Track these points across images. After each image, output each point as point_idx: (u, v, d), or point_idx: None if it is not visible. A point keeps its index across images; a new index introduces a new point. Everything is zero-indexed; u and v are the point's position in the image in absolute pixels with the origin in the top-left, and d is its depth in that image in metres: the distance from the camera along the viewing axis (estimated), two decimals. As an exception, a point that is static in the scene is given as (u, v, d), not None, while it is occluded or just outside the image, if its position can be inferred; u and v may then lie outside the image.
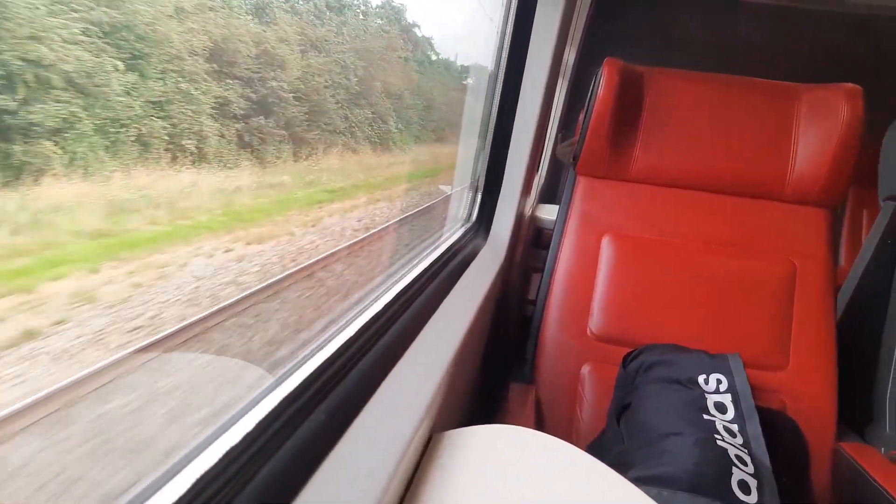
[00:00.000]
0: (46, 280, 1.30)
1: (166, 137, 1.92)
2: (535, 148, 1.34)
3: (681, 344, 1.09)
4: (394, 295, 0.82)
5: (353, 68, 3.66)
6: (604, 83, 1.20)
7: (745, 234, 1.21)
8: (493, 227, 1.38)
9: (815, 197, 1.20)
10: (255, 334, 1.75)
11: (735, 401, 0.93)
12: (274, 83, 2.59)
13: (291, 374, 0.54)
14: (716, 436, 0.84)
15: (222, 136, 2.21)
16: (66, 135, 1.45)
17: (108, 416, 1.08)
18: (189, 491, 0.37)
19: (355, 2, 4.05)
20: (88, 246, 1.52)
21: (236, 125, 2.31)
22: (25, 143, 1.29)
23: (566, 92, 2.66)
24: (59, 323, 1.29)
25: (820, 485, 1.06)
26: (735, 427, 0.89)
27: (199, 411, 1.09)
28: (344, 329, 0.67)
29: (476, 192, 1.42)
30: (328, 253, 2.52)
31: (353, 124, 3.72)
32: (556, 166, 2.86)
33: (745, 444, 0.85)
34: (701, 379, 0.98)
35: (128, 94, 1.72)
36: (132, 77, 1.75)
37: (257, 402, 0.48)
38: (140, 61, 1.78)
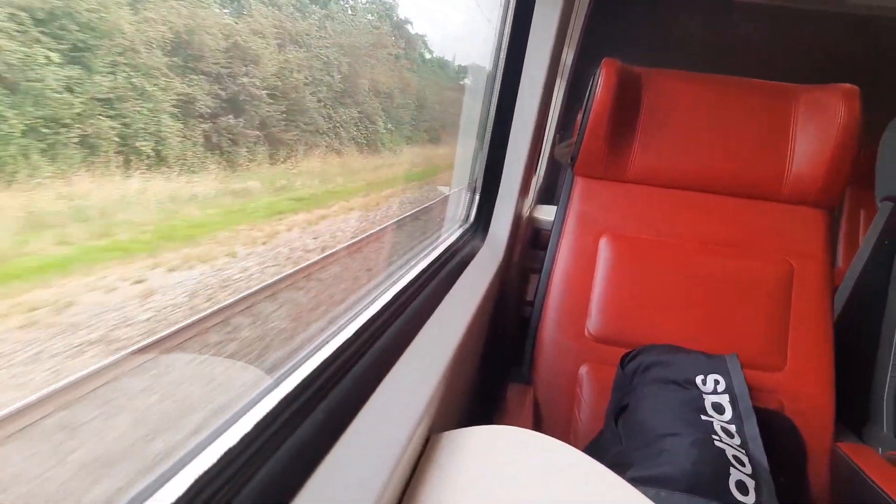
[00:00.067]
0: None
1: (117, 139, 1.70)
2: (533, 148, 1.34)
3: (678, 344, 1.10)
4: (392, 296, 0.82)
5: (336, 65, 3.43)
6: (602, 83, 1.20)
7: (743, 234, 1.21)
8: (491, 227, 1.38)
9: (812, 197, 1.20)
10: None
11: (733, 401, 0.94)
12: (245, 79, 2.38)
13: (290, 374, 0.54)
14: (713, 436, 0.84)
15: (186, 136, 2.02)
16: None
17: None
18: (187, 492, 0.37)
19: (342, -4, 3.80)
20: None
21: (203, 125, 2.11)
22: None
23: (564, 92, 2.66)
24: None
25: (818, 485, 1.07)
26: (733, 427, 0.89)
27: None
28: (342, 330, 0.67)
29: (474, 192, 1.42)
30: (256, 288, 2.02)
31: (338, 124, 3.49)
32: (554, 167, 2.86)
33: (743, 445, 0.86)
34: (698, 379, 0.98)
35: (69, 90, 1.52)
36: (74, 71, 1.53)
37: (255, 404, 0.48)
38: (85, 53, 1.57)
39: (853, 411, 1.19)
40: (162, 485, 0.37)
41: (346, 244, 2.81)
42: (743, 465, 0.80)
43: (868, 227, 1.36)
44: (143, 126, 1.80)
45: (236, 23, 2.44)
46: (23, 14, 1.33)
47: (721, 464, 0.79)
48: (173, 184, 1.97)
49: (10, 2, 1.32)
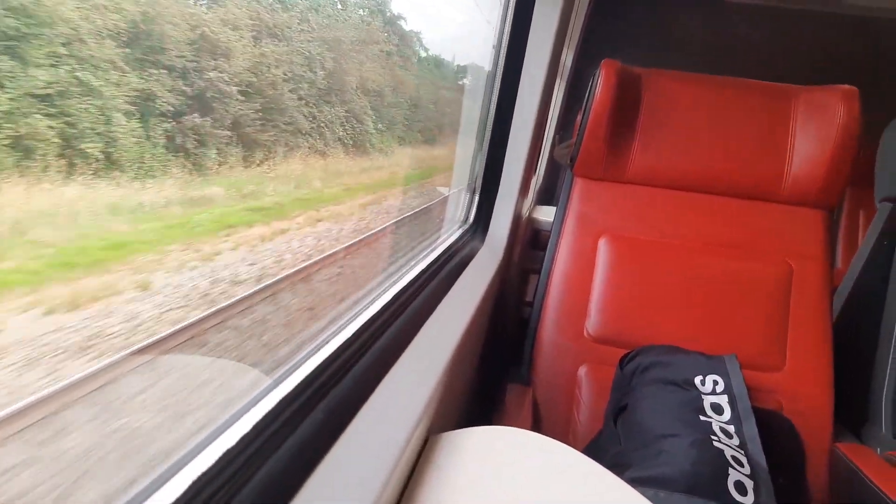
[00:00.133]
0: None
1: (58, 140, 1.48)
2: (533, 149, 1.34)
3: (677, 345, 1.10)
4: (391, 296, 0.82)
5: (320, 60, 3.17)
6: (601, 84, 1.20)
7: (742, 235, 1.21)
8: (490, 228, 1.38)
9: (811, 198, 1.20)
10: None
11: (731, 402, 0.94)
12: (213, 74, 2.13)
13: (289, 375, 0.54)
14: (712, 437, 0.84)
15: (144, 137, 1.80)
16: None
17: None
18: (186, 492, 0.37)
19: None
20: None
21: (164, 124, 1.89)
22: None
23: (564, 93, 2.66)
24: None
25: (816, 485, 1.07)
26: (731, 428, 0.89)
27: None
28: (341, 331, 0.67)
29: (473, 193, 1.42)
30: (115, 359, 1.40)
31: (322, 124, 3.23)
32: (553, 168, 2.86)
33: (742, 445, 0.86)
34: (697, 380, 0.98)
35: (-3, 84, 1.35)
36: (3, 63, 1.35)
37: (255, 404, 0.48)
38: (17, 43, 1.37)
39: (852, 412, 1.19)
40: (161, 485, 0.37)
41: (291, 271, 2.27)
42: (742, 465, 0.80)
43: (867, 227, 1.36)
44: (90, 126, 1.59)
45: (205, 13, 2.21)
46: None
47: (720, 464, 0.79)
48: (122, 190, 1.73)
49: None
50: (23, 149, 1.41)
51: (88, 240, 1.63)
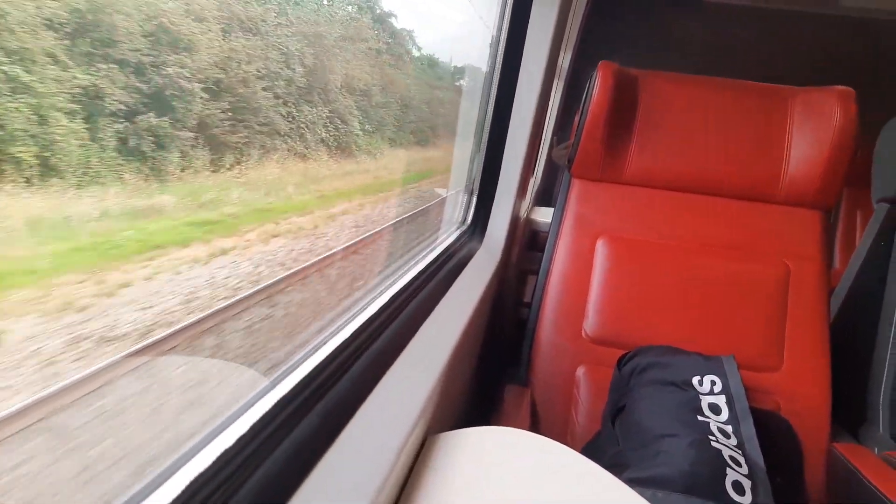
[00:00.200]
0: None
1: None
2: (531, 150, 1.34)
3: (675, 346, 1.10)
4: (389, 297, 0.82)
5: (299, 56, 2.96)
6: (598, 86, 1.21)
7: (739, 236, 1.22)
8: (488, 229, 1.38)
9: (808, 199, 1.20)
10: None
11: (729, 402, 0.94)
12: (172, 70, 1.96)
13: (286, 376, 0.54)
14: (710, 437, 0.85)
15: (91, 139, 1.62)
16: None
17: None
18: (183, 493, 0.37)
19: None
20: None
21: (116, 125, 1.72)
22: None
23: (562, 95, 2.67)
24: None
25: (814, 485, 1.07)
26: (729, 428, 0.89)
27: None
28: (339, 332, 0.67)
29: (471, 194, 1.42)
30: None
31: (302, 125, 3.00)
32: (552, 169, 2.87)
33: (740, 446, 0.86)
34: (695, 380, 0.98)
35: None
36: None
37: (252, 405, 0.48)
38: None
39: (849, 412, 1.19)
40: (158, 486, 0.37)
41: (191, 320, 1.72)
42: (739, 465, 0.80)
43: (865, 228, 1.37)
44: (20, 127, 1.42)
45: (164, 2, 2.03)
46: None
47: (718, 464, 0.79)
48: (52, 201, 1.50)
49: None
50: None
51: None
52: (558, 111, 2.69)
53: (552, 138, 2.74)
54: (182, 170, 1.99)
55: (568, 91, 2.71)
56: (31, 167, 1.42)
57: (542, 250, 1.29)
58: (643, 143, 1.25)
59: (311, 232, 2.85)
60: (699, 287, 1.18)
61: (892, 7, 2.21)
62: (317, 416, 0.50)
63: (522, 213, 1.64)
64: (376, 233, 3.11)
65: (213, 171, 2.18)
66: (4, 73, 1.37)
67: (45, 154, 1.48)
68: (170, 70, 1.92)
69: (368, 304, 0.78)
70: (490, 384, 1.21)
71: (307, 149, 3.04)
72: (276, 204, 2.72)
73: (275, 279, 2.17)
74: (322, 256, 2.55)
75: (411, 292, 0.88)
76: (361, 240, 2.92)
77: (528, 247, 1.89)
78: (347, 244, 2.83)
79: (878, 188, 1.34)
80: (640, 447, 0.88)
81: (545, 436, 0.63)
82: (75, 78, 1.54)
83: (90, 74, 1.60)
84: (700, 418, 0.90)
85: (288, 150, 2.85)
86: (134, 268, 1.75)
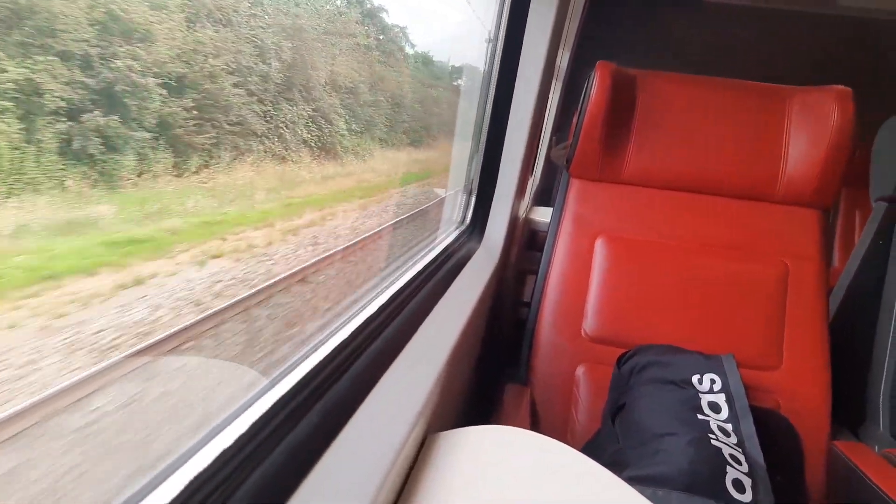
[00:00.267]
0: None
1: None
2: (529, 150, 1.34)
3: (675, 345, 1.10)
4: (388, 297, 0.82)
5: (276, 51, 2.69)
6: (596, 86, 1.21)
7: (738, 235, 1.22)
8: (487, 229, 1.38)
9: (807, 198, 1.21)
10: None
11: (729, 400, 0.94)
12: (122, 63, 1.71)
13: (285, 376, 0.54)
14: (710, 435, 0.85)
15: (25, 140, 1.41)
16: None
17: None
18: (182, 492, 0.37)
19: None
20: None
21: (58, 125, 1.52)
22: None
23: (561, 95, 2.67)
24: None
25: (814, 483, 1.07)
26: (729, 426, 0.89)
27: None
28: (338, 331, 0.67)
29: (470, 194, 1.42)
30: None
31: (281, 124, 2.76)
32: (551, 169, 2.87)
33: (740, 444, 0.86)
34: (695, 379, 0.99)
35: None
36: None
37: (251, 404, 0.48)
38: None
39: (849, 410, 1.19)
40: (157, 485, 0.37)
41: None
42: (739, 463, 0.80)
43: (864, 227, 1.37)
44: None
45: None
46: None
47: (718, 462, 0.79)
48: None
49: None
50: None
51: None
52: (557, 111, 2.70)
53: (551, 138, 2.74)
54: (139, 174, 1.79)
55: (567, 91, 2.71)
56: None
57: (542, 250, 1.29)
58: (641, 143, 1.25)
59: (264, 250, 2.43)
60: (698, 286, 1.18)
61: (891, 7, 2.21)
62: (316, 416, 0.50)
63: (521, 213, 1.64)
64: (338, 252, 2.65)
65: (176, 176, 1.98)
66: None
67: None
68: (120, 63, 1.69)
69: (368, 304, 0.78)
70: (490, 383, 1.21)
71: (287, 150, 2.83)
72: (231, 215, 2.34)
73: (169, 332, 1.63)
74: (254, 290, 2.05)
75: (410, 292, 0.88)
76: (313, 264, 2.40)
77: (527, 246, 1.89)
78: (293, 270, 2.31)
79: (875, 187, 1.34)
80: (639, 445, 0.88)
81: (545, 435, 0.62)
82: (4, 72, 1.34)
83: (25, 68, 1.39)
84: (700, 416, 0.90)
85: (265, 152, 2.63)
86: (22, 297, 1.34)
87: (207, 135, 2.16)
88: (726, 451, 0.81)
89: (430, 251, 1.14)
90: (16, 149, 1.38)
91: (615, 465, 0.83)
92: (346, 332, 0.66)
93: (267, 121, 2.67)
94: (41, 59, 1.45)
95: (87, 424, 1.19)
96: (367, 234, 2.99)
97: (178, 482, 0.37)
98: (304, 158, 2.98)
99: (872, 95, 1.22)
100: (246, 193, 2.50)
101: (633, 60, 1.31)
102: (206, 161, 2.17)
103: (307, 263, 2.37)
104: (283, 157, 2.80)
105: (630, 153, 1.26)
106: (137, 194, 1.82)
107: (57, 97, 1.51)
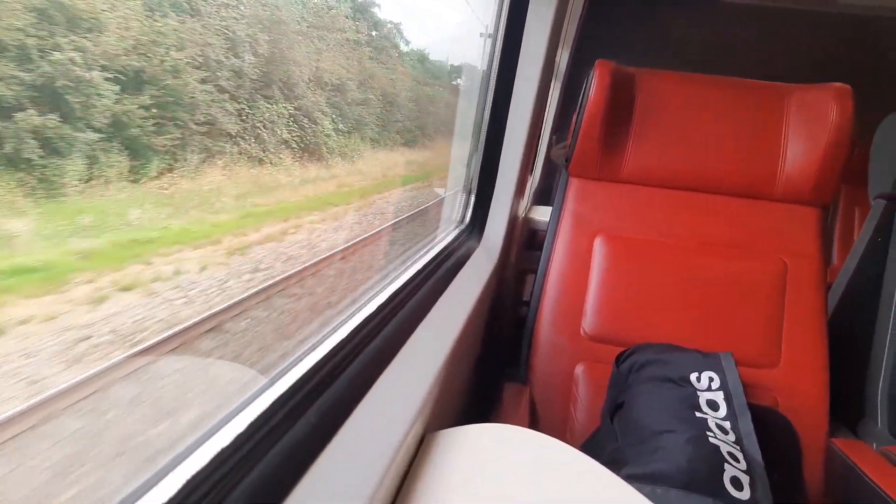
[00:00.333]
0: None
1: None
2: (528, 149, 1.34)
3: (673, 343, 1.10)
4: (387, 296, 0.82)
5: (251, 44, 2.44)
6: (595, 84, 1.21)
7: (737, 233, 1.22)
8: (486, 228, 1.38)
9: (805, 196, 1.21)
10: None
11: (727, 398, 0.94)
12: (61, 55, 1.53)
13: (283, 375, 0.54)
14: (708, 433, 0.85)
15: None
16: None
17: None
18: (180, 492, 0.37)
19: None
20: None
21: None
22: None
23: (561, 94, 2.67)
24: None
25: (813, 481, 1.07)
26: (727, 424, 0.89)
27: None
28: (337, 330, 0.67)
29: (469, 193, 1.42)
30: None
31: (258, 124, 2.53)
32: (551, 168, 2.87)
33: (738, 441, 0.86)
34: (693, 377, 0.99)
35: None
36: None
37: (249, 404, 0.49)
38: None
39: (848, 407, 1.19)
40: (154, 485, 0.37)
41: None
42: (737, 461, 0.80)
43: (862, 224, 1.37)
44: None
45: None
46: None
47: (716, 460, 0.79)
48: None
49: None
50: None
51: None
52: (557, 110, 2.69)
53: (551, 137, 2.74)
54: (87, 181, 1.59)
55: (567, 91, 2.70)
56: None
57: (541, 249, 1.29)
58: (640, 142, 1.25)
59: (195, 278, 1.95)
60: (696, 284, 1.18)
61: (892, 4, 2.21)
62: (314, 415, 0.50)
63: (521, 213, 1.64)
64: (277, 283, 2.11)
65: (133, 181, 1.75)
66: None
67: None
68: (60, 55, 1.49)
69: (367, 303, 0.78)
70: (489, 382, 1.21)
71: (265, 152, 2.59)
72: (172, 230, 1.95)
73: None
74: (110, 363, 1.44)
75: (409, 291, 0.88)
76: (238, 303, 1.82)
77: (526, 246, 1.89)
78: (206, 314, 1.72)
79: (874, 184, 1.34)
80: (638, 443, 0.88)
81: (544, 433, 0.63)
82: None
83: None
84: (698, 414, 0.91)
85: (239, 154, 2.39)
86: None
87: (170, 135, 1.97)
88: (724, 448, 0.81)
89: (429, 250, 1.15)
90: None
91: (614, 463, 0.83)
92: (345, 332, 0.66)
93: (242, 120, 2.46)
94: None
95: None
96: (328, 255, 2.54)
97: (175, 481, 0.37)
98: (284, 160, 2.78)
99: (873, 95, 1.22)
100: (210, 200, 2.21)
101: (632, 60, 1.31)
102: (171, 164, 1.98)
103: (231, 302, 1.81)
104: (261, 160, 2.60)
105: (629, 152, 1.26)
106: (78, 204, 1.60)
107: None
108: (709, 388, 0.96)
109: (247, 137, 2.48)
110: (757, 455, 0.84)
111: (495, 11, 1.29)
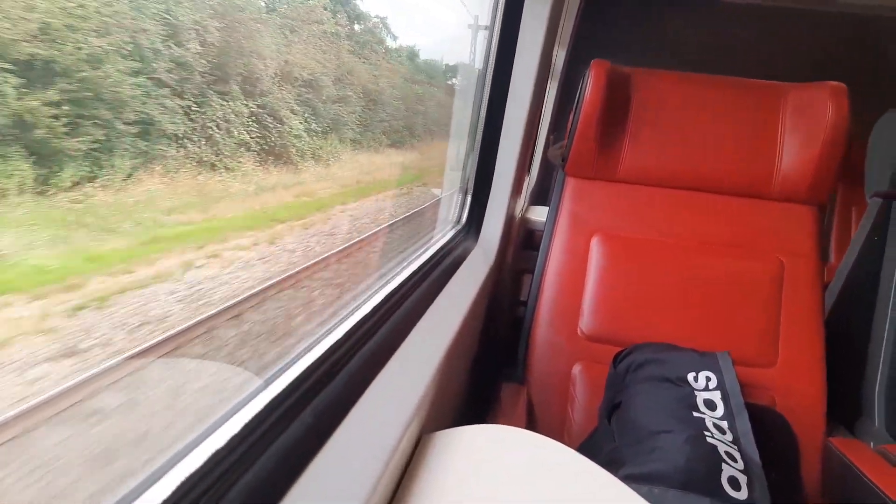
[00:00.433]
0: None
1: None
2: (525, 149, 1.34)
3: (670, 342, 1.10)
4: (383, 297, 0.82)
5: (198, 31, 2.12)
6: (591, 84, 1.21)
7: (733, 232, 1.22)
8: (483, 229, 1.38)
9: (802, 195, 1.21)
10: None
11: (724, 398, 0.94)
12: None
13: (279, 376, 0.54)
14: (705, 433, 0.85)
15: None
16: None
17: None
18: (174, 493, 0.37)
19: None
20: None
21: None
22: None
23: (557, 94, 2.66)
24: None
25: (810, 480, 1.07)
26: (725, 424, 0.89)
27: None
28: (333, 331, 0.67)
29: (465, 194, 1.42)
30: None
31: (209, 123, 2.22)
32: (548, 168, 2.86)
33: (735, 441, 0.86)
34: (690, 377, 0.99)
35: None
36: None
37: (244, 405, 0.48)
38: None
39: (845, 406, 1.19)
40: (149, 486, 0.37)
41: None
42: (735, 460, 0.80)
43: (859, 223, 1.37)
44: None
45: None
46: None
47: (713, 460, 0.79)
48: None
49: None
50: None
51: None
52: (554, 110, 2.69)
53: (548, 137, 2.74)
54: None
55: (564, 90, 2.70)
56: None
57: (538, 249, 1.29)
58: (636, 141, 1.25)
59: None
60: (693, 284, 1.18)
61: (891, 4, 2.21)
62: (310, 415, 0.50)
63: (518, 212, 1.64)
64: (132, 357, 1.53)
65: (39, 193, 1.46)
66: None
67: None
68: None
69: (362, 304, 0.78)
70: (486, 383, 1.21)
71: (218, 155, 2.25)
72: (21, 268, 1.47)
73: None
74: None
75: (405, 292, 0.88)
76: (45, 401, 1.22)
77: (523, 246, 1.89)
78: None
79: (870, 183, 1.35)
80: (635, 443, 0.88)
81: (541, 434, 0.62)
82: None
83: None
84: (695, 414, 0.91)
85: (186, 158, 2.08)
86: None
87: (87, 137, 1.64)
88: (722, 448, 0.81)
89: (426, 251, 1.14)
90: None
91: (611, 463, 0.83)
92: (340, 332, 0.66)
93: (191, 119, 2.15)
94: None
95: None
96: (229, 304, 1.88)
97: (170, 482, 0.37)
98: (243, 165, 2.42)
99: (873, 94, 1.22)
100: (133, 216, 1.83)
101: (629, 60, 1.31)
102: (91, 172, 1.65)
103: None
104: (213, 164, 2.24)
105: (625, 151, 1.26)
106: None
107: None
108: (706, 388, 0.96)
109: (195, 139, 2.17)
110: (754, 454, 0.84)
111: (490, 9, 1.28)
